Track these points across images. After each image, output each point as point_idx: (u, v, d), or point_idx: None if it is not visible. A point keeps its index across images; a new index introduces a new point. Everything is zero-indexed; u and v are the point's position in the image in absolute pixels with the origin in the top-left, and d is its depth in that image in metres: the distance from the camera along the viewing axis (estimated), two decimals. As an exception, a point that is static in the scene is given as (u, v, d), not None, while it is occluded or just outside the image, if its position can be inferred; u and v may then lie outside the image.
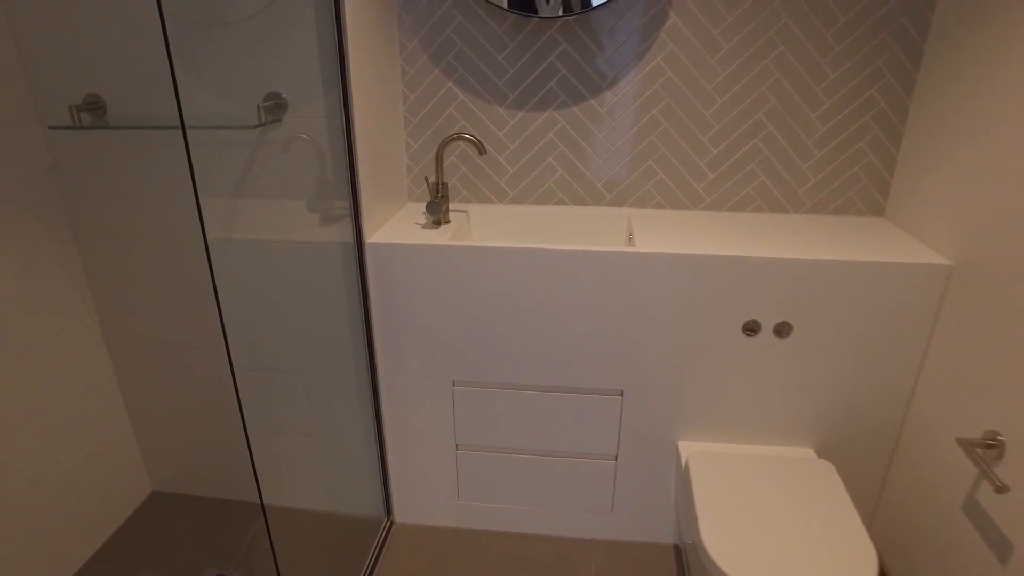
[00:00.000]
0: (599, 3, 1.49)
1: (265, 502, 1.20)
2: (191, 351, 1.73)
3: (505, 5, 1.52)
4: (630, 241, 1.55)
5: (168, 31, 0.81)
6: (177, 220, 1.58)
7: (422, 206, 1.76)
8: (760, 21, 1.52)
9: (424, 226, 1.59)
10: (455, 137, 1.59)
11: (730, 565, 1.20)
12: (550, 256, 1.42)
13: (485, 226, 1.72)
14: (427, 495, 1.77)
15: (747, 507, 1.33)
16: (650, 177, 1.69)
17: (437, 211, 1.59)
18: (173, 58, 0.81)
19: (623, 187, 1.72)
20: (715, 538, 1.26)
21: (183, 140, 0.81)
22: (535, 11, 1.51)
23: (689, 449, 1.55)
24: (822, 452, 1.57)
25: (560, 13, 1.51)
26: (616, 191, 1.72)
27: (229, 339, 1.02)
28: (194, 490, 1.95)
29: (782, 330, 1.44)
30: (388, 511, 1.83)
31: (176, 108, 0.81)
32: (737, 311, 1.43)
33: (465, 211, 1.72)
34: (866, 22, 1.49)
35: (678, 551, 1.73)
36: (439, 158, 1.62)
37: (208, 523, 1.86)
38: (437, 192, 1.64)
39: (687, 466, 1.47)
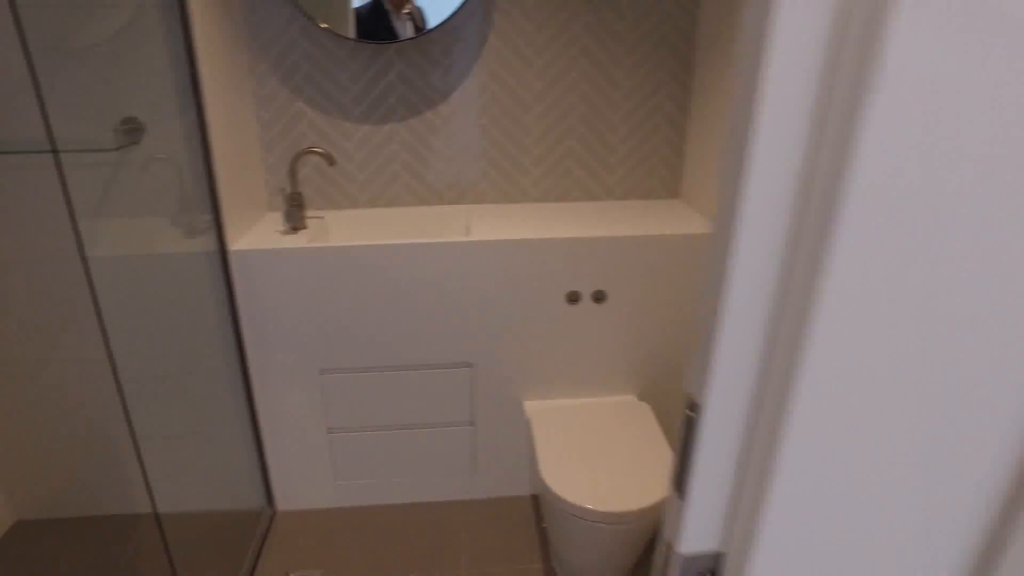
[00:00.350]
0: (433, 27, 1.71)
1: (147, 510, 1.30)
2: (51, 371, 1.77)
3: (352, 35, 1.70)
4: (468, 232, 1.78)
5: (24, 57, 0.93)
6: (27, 241, 1.62)
7: (281, 215, 1.90)
8: (564, 42, 1.80)
9: (284, 232, 1.74)
10: (307, 151, 1.76)
11: (567, 492, 1.46)
12: (398, 250, 1.62)
13: (341, 229, 1.89)
14: (305, 480, 1.92)
15: (579, 447, 1.61)
16: (484, 176, 1.94)
17: (295, 218, 1.75)
18: (32, 83, 0.94)
19: (462, 187, 1.95)
20: (554, 474, 1.52)
21: (55, 164, 0.94)
22: (379, 39, 1.71)
23: (532, 407, 1.81)
24: (642, 396, 1.88)
25: (411, 34, 1.71)
26: (456, 190, 1.96)
27: (106, 352, 1.14)
28: (66, 512, 1.96)
29: (599, 297, 1.73)
30: (270, 501, 1.95)
31: (45, 132, 0.94)
32: (561, 284, 1.71)
33: (321, 217, 1.88)
34: (649, 40, 1.82)
35: (535, 499, 1.98)
36: (293, 170, 1.78)
37: (83, 543, 1.88)
38: (294, 201, 1.79)
39: (530, 422, 1.73)
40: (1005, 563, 0.43)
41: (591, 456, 1.57)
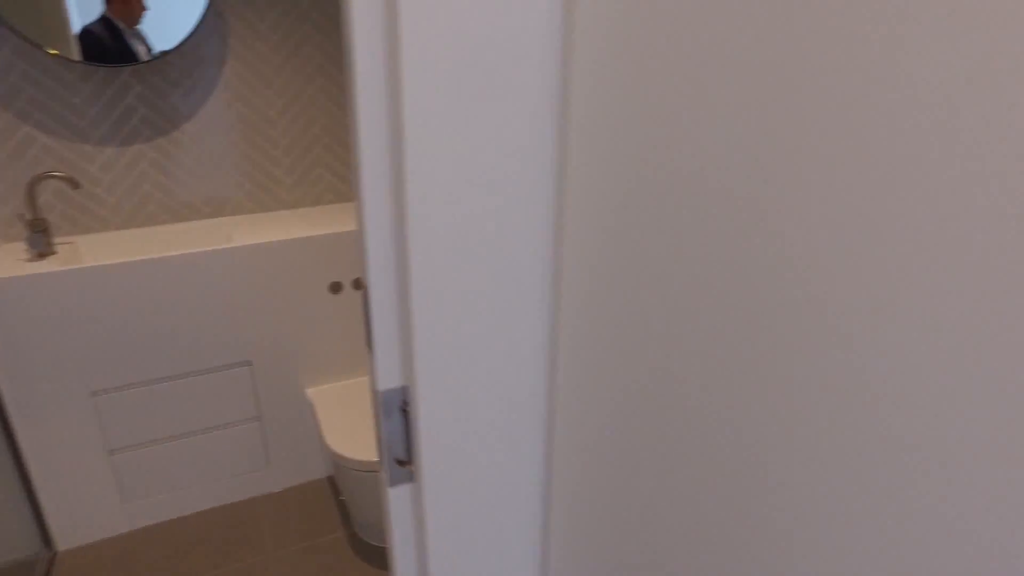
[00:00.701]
0: (168, 49, 1.80)
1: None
2: None
3: (78, 58, 1.73)
4: (230, 240, 1.90)
5: None
6: None
7: (23, 243, 1.85)
8: (300, 61, 1.99)
9: (29, 260, 1.71)
10: (44, 176, 1.75)
11: (351, 451, 1.66)
12: (160, 263, 1.70)
13: (95, 251, 1.89)
14: (88, 511, 1.88)
15: (359, 417, 1.82)
16: (240, 189, 2.06)
17: (40, 244, 1.73)
18: None
19: (218, 201, 2.05)
20: (338, 441, 1.71)
21: None
22: (109, 62, 1.75)
23: (314, 392, 1.98)
24: (414, 369, 2.14)
25: (145, 58, 1.77)
26: (213, 205, 2.05)
27: None
28: None
29: (359, 284, 1.95)
30: (47, 543, 1.88)
31: None
32: (323, 276, 1.90)
33: (72, 242, 1.87)
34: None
35: (331, 479, 2.15)
36: (31, 196, 1.75)
37: None
38: (36, 227, 1.76)
39: (314, 405, 1.90)
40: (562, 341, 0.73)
41: (369, 422, 1.79)
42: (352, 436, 1.73)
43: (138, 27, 1.77)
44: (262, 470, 2.05)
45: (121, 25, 1.75)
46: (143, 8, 1.76)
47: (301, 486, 2.12)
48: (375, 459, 1.65)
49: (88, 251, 1.88)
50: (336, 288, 1.92)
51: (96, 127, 1.85)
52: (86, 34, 1.72)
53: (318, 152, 2.11)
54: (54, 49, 1.70)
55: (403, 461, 0.76)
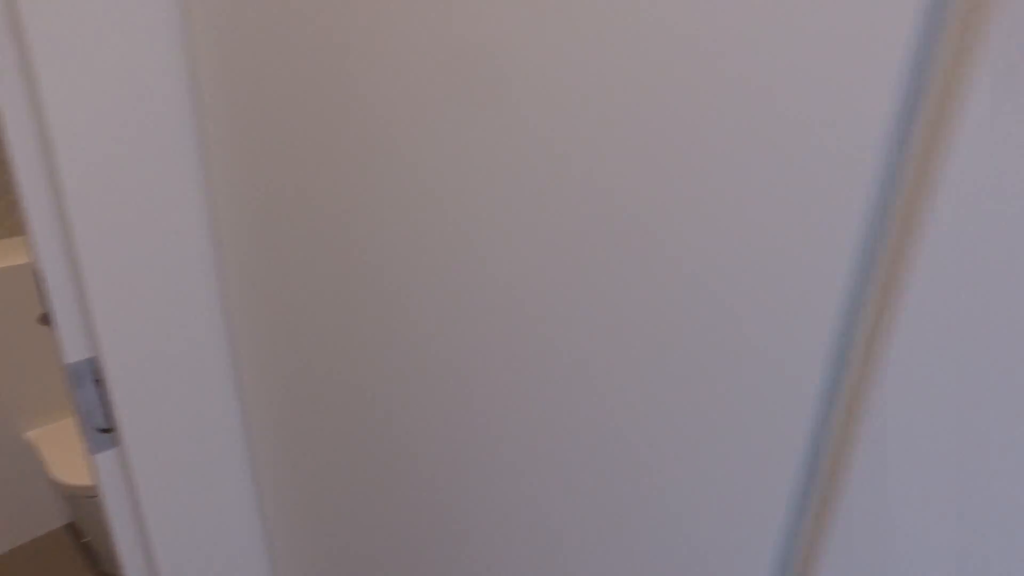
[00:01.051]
0: None
1: None
2: None
3: None
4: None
5: None
6: None
7: None
8: None
9: None
10: None
11: (86, 479, 1.60)
12: None
13: None
14: None
15: (92, 446, 1.74)
16: (-87, 228, 1.84)
17: None
18: None
19: None
20: (71, 473, 1.63)
21: None
22: None
23: (37, 435, 1.84)
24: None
25: None
26: None
27: None
28: None
29: (78, 313, 1.86)
30: None
31: None
32: (30, 308, 1.78)
33: None
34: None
35: (71, 526, 2.00)
36: None
37: None
38: None
39: (38, 448, 1.77)
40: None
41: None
42: (83, 467, 1.66)
43: None
44: (-19, 533, 1.86)
45: None
46: None
47: (33, 542, 1.94)
48: (114, 485, 1.60)
49: None
50: (47, 319, 1.81)
51: None
52: None
53: (9, 177, 1.96)
54: None
55: (106, 429, 0.83)
